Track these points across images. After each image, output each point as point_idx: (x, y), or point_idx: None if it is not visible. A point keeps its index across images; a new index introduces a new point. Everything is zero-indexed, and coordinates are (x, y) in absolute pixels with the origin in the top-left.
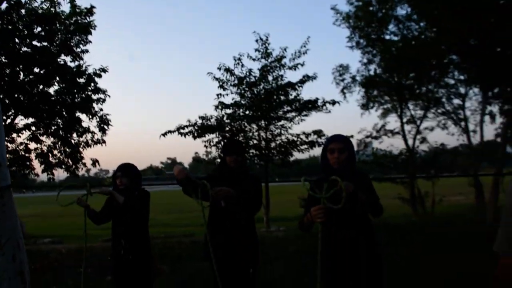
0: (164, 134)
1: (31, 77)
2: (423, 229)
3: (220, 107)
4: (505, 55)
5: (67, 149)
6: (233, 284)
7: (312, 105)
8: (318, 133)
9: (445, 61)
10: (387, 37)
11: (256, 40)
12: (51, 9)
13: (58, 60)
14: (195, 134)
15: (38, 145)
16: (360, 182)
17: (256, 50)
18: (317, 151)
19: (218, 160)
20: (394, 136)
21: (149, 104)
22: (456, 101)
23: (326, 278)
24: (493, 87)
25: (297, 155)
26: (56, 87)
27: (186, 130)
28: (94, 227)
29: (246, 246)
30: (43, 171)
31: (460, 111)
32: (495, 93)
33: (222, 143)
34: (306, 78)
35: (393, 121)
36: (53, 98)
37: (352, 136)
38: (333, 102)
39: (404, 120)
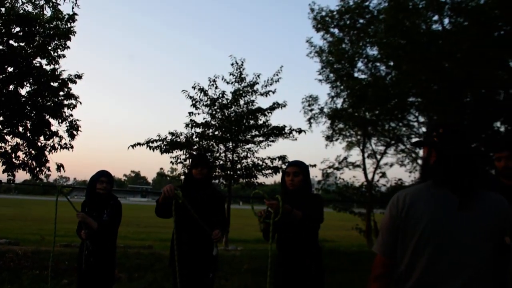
0: (133, 146)
1: (3, 75)
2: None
3: (190, 125)
4: (462, 100)
5: (32, 151)
6: (194, 285)
7: (279, 132)
8: (283, 158)
9: (406, 102)
10: (356, 74)
11: (232, 64)
12: (34, 11)
13: (34, 62)
14: (163, 149)
15: (2, 144)
16: (309, 203)
17: (231, 74)
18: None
19: (183, 176)
20: (355, 169)
21: (118, 115)
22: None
23: None
24: None
25: (261, 179)
26: (28, 88)
27: (155, 144)
28: (53, 233)
29: (209, 254)
30: (3, 171)
31: (418, 150)
32: None
33: (189, 160)
34: (276, 105)
35: (355, 154)
36: (23, 99)
37: (315, 165)
38: (300, 131)
39: (366, 154)
